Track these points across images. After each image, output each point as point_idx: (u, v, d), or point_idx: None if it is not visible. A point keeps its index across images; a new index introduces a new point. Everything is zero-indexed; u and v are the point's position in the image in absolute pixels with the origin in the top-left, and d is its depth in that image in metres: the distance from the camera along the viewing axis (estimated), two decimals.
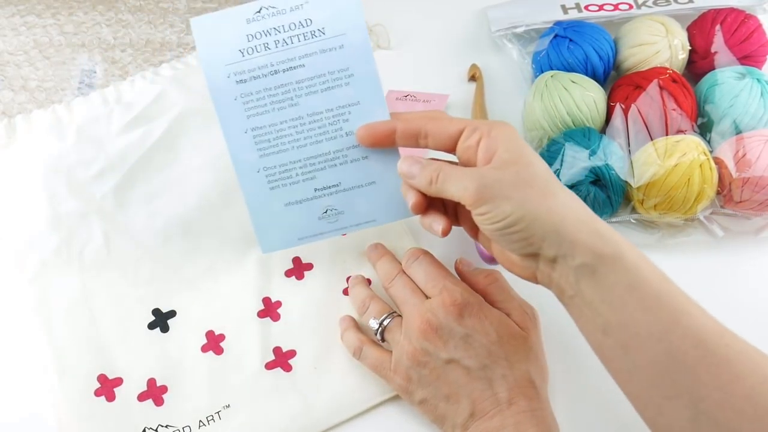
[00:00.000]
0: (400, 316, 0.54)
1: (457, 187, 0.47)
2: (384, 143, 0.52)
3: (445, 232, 0.51)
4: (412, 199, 0.52)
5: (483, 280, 0.54)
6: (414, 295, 0.53)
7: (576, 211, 0.46)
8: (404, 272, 0.55)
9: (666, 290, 0.44)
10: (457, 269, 0.56)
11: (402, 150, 0.54)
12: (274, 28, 0.53)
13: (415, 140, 0.51)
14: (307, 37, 0.53)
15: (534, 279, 0.48)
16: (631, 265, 0.44)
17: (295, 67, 0.53)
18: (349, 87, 0.53)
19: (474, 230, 0.53)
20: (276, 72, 0.53)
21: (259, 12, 0.53)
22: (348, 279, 0.60)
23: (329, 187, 0.55)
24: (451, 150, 0.50)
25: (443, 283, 0.52)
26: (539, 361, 0.52)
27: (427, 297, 0.53)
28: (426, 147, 0.51)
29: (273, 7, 0.53)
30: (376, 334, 0.54)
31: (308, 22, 0.53)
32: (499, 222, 0.45)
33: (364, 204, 0.55)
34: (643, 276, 0.44)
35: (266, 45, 0.53)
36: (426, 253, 0.56)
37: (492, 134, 0.48)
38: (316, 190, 0.54)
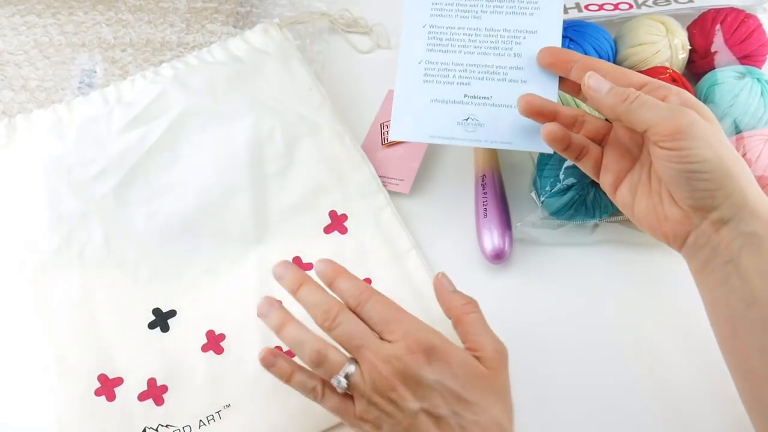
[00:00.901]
0: (356, 361, 0.47)
1: (654, 114, 0.46)
2: (559, 67, 0.54)
3: (559, 139, 0.51)
4: (551, 126, 0.51)
5: (459, 308, 0.50)
6: (371, 338, 0.47)
7: (758, 186, 0.46)
8: (347, 309, 0.49)
9: None
10: (435, 285, 0.52)
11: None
12: None
13: None
14: None
15: (682, 240, 0.47)
16: None
17: None
18: (533, 17, 0.57)
19: (617, 183, 0.51)
20: None
21: None
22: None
23: (479, 97, 0.56)
24: None
25: (405, 326, 0.47)
26: (506, 402, 0.49)
27: (380, 337, 0.48)
28: None
29: None
30: (335, 385, 0.47)
31: None
32: (695, 163, 0.44)
33: (506, 125, 0.56)
34: None
35: None
36: (376, 291, 0.49)
37: (681, 93, 0.48)
38: (466, 96, 0.56)
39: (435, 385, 0.45)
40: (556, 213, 0.61)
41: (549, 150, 0.54)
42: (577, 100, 0.59)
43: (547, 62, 0.54)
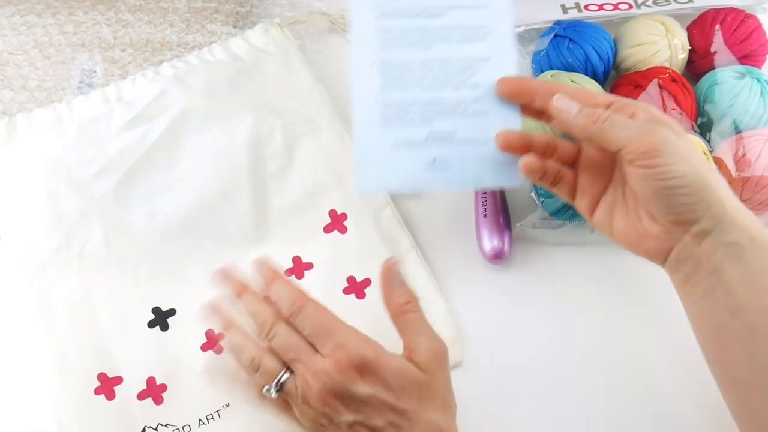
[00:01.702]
0: (291, 370, 0.47)
1: (627, 133, 0.45)
2: (523, 96, 0.51)
3: (536, 170, 0.50)
4: (529, 158, 0.49)
5: (398, 306, 0.49)
6: (304, 352, 0.46)
7: (735, 197, 0.46)
8: (283, 319, 0.48)
9: None
10: (382, 272, 0.50)
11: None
12: None
13: None
14: None
15: (664, 255, 0.47)
16: None
17: (437, 15, 0.54)
18: (485, 43, 0.54)
19: (594, 205, 0.51)
20: (417, 15, 0.54)
21: None
22: (349, 279, 0.60)
23: (443, 136, 0.53)
24: None
25: (335, 339, 0.46)
26: (446, 403, 0.48)
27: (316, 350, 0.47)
28: None
29: None
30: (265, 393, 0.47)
31: None
32: (673, 179, 0.44)
33: (475, 162, 0.53)
34: None
35: None
36: (309, 299, 0.48)
37: (649, 109, 0.47)
38: (429, 133, 0.53)
39: (369, 399, 0.45)
40: (556, 213, 0.61)
41: (521, 184, 0.52)
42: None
43: (507, 93, 0.52)
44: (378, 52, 0.53)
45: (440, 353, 0.48)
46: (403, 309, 0.49)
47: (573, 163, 0.52)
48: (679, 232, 0.46)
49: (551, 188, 0.52)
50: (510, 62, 0.54)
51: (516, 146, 0.51)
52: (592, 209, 0.51)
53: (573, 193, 0.52)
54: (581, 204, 0.52)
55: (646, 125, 0.46)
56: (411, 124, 0.53)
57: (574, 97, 0.49)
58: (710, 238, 0.45)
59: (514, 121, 0.52)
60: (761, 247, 0.44)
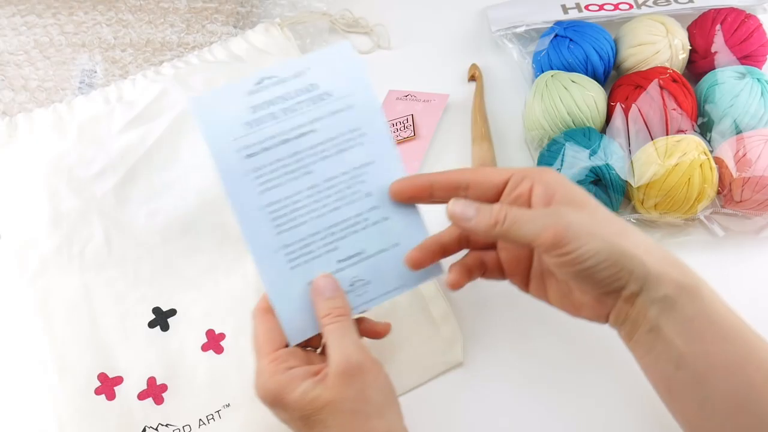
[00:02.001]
0: None
1: (530, 227, 0.44)
2: (420, 197, 0.50)
3: (465, 281, 0.51)
4: (452, 277, 0.50)
5: (321, 319, 0.48)
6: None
7: (652, 245, 0.45)
8: None
9: (738, 322, 0.44)
10: (312, 289, 0.49)
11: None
12: (279, 97, 0.50)
13: (455, 192, 0.48)
14: (314, 102, 0.50)
15: (604, 319, 0.47)
16: (708, 296, 0.44)
17: (306, 133, 0.50)
18: (363, 147, 0.51)
19: (526, 280, 0.51)
20: (287, 140, 0.50)
21: (260, 83, 0.50)
22: None
23: (353, 256, 0.50)
24: (496, 200, 0.48)
25: (256, 365, 0.48)
26: (355, 416, 0.45)
27: None
28: (466, 198, 0.48)
29: (274, 77, 0.50)
30: None
31: (313, 87, 0.51)
32: (587, 261, 0.43)
33: (391, 269, 0.51)
34: (719, 307, 0.44)
35: (273, 114, 0.50)
36: (263, 311, 0.49)
37: (545, 179, 0.46)
38: (339, 261, 0.50)
39: (285, 425, 0.47)
40: None
41: (441, 275, 0.52)
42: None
43: (402, 198, 0.50)
44: (259, 197, 0.49)
45: (349, 367, 0.45)
46: (323, 322, 0.48)
47: (494, 244, 0.52)
48: (611, 299, 0.46)
49: (483, 278, 0.52)
50: (393, 158, 0.51)
51: (428, 260, 0.50)
52: (526, 285, 0.51)
53: (503, 273, 0.52)
54: (515, 281, 0.52)
55: (547, 214, 0.45)
56: (318, 257, 0.50)
57: (470, 182, 0.48)
58: (641, 298, 0.44)
59: (414, 221, 0.51)
60: (690, 293, 0.44)
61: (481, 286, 0.60)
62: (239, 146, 0.49)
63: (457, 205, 0.47)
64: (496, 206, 0.46)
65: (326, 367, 0.46)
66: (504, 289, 0.61)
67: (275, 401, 0.45)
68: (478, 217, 0.46)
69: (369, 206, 0.51)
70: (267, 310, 0.49)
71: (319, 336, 0.49)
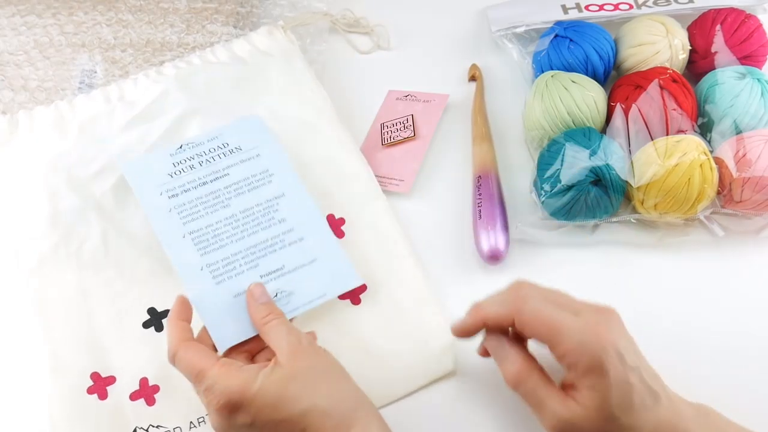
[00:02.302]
0: None
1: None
2: (470, 335, 0.52)
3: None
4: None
5: (260, 321, 0.52)
6: (194, 387, 0.49)
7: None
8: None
9: None
10: (246, 296, 0.54)
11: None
12: (197, 154, 0.61)
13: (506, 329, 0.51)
14: (227, 154, 0.61)
15: None
16: None
17: (221, 177, 0.60)
18: (273, 184, 0.60)
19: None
20: (204, 183, 0.60)
21: (180, 148, 0.61)
22: None
23: (274, 272, 0.57)
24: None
25: (204, 383, 0.48)
26: (316, 404, 0.47)
27: None
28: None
29: (191, 143, 0.62)
30: None
31: (225, 144, 0.62)
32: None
33: (312, 281, 0.57)
34: None
35: (191, 166, 0.60)
36: (181, 346, 0.50)
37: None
38: (261, 276, 0.56)
39: (247, 428, 0.47)
40: (556, 213, 0.61)
41: (359, 284, 0.58)
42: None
43: (463, 336, 0.52)
44: (183, 227, 0.57)
45: (299, 350, 0.49)
46: (263, 321, 0.52)
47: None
48: None
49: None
50: (300, 192, 0.60)
51: (468, 333, 0.52)
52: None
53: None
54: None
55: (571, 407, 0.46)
56: (241, 273, 0.56)
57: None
58: None
59: (328, 238, 0.59)
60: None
61: (479, 287, 0.59)
62: (163, 190, 0.59)
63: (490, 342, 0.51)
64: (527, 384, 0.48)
65: (275, 357, 0.48)
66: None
67: (240, 400, 0.46)
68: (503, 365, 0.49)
69: (284, 230, 0.58)
70: (182, 340, 0.50)
71: (247, 350, 0.53)
